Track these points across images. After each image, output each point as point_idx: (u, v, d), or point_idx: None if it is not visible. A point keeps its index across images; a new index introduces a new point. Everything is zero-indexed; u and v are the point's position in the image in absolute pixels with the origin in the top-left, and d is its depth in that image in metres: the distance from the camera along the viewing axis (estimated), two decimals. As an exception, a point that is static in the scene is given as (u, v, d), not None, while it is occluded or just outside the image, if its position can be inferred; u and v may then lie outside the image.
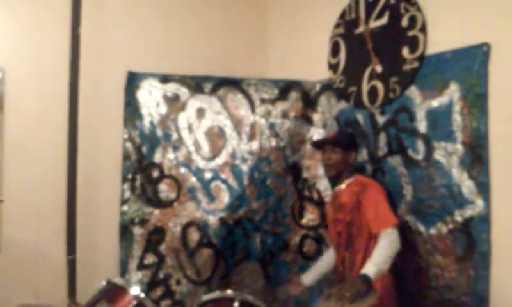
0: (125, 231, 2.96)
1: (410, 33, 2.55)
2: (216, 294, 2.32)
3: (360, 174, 2.63)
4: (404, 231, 2.52)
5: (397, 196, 2.59)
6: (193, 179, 3.06)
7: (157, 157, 3.03)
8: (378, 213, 2.38)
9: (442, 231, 2.37)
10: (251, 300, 2.20)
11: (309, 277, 2.74)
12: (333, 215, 2.60)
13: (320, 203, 3.11)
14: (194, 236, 3.03)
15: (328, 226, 2.72)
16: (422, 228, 2.46)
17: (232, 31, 3.46)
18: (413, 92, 2.53)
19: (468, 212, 2.26)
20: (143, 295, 2.23)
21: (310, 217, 3.17)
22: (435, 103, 2.41)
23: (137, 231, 2.97)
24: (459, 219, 2.29)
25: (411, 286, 2.51)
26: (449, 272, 2.33)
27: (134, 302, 2.20)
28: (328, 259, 2.74)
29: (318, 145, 2.72)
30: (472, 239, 2.24)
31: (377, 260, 2.24)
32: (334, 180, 2.66)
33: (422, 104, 2.48)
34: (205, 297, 2.30)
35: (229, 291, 2.29)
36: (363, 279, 2.14)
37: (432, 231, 2.41)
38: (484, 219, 2.20)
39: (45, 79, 2.87)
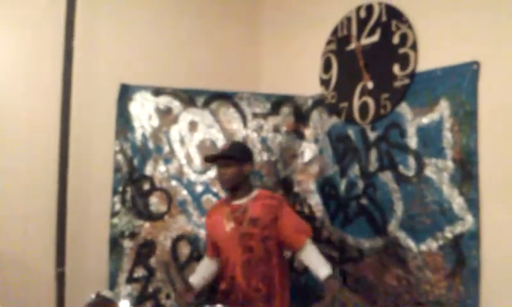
0: (114, 244, 2.93)
1: (401, 50, 2.57)
2: (206, 307, 2.29)
3: (261, 188, 2.69)
4: (395, 247, 2.53)
5: (388, 212, 2.60)
6: (184, 192, 3.05)
7: (148, 170, 3.02)
8: (299, 226, 2.52)
9: (432, 247, 2.37)
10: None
11: (195, 280, 2.64)
12: (239, 229, 2.49)
13: (311, 218, 3.10)
14: (184, 250, 3.01)
15: (221, 240, 2.57)
16: (412, 244, 2.46)
17: (225, 44, 3.47)
18: (404, 108, 2.54)
19: (458, 228, 2.26)
20: (131, 309, 2.20)
21: (301, 231, 3.15)
22: (426, 119, 2.43)
23: (127, 244, 2.94)
24: (449, 235, 2.30)
25: (401, 302, 2.50)
26: (439, 289, 2.32)
27: (123, 316, 2.16)
28: (210, 270, 2.67)
29: (211, 160, 2.64)
30: (462, 255, 2.24)
31: (324, 261, 2.41)
32: (231, 193, 2.61)
33: (412, 120, 2.50)
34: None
35: (218, 306, 2.26)
36: (339, 282, 2.33)
37: (423, 247, 2.41)
38: (474, 235, 2.20)
39: (38, 90, 2.85)
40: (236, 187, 2.56)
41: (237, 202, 2.57)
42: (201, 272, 2.70)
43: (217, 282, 2.66)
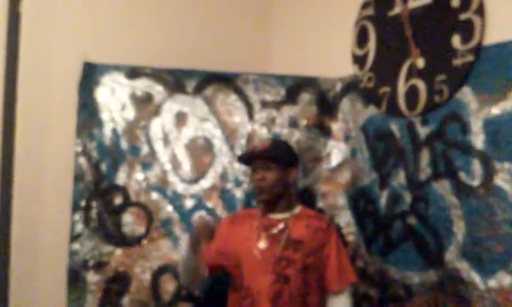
0: (75, 278, 2.92)
1: (463, 16, 2.56)
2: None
3: (303, 205, 2.71)
4: (454, 282, 2.52)
5: (445, 235, 2.58)
6: (169, 208, 3.04)
7: (121, 178, 3.02)
8: (344, 266, 2.59)
9: (505, 283, 2.34)
10: None
11: None
12: (274, 251, 2.51)
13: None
14: (169, 286, 2.99)
15: (246, 261, 2.55)
16: (477, 279, 2.44)
17: (224, 10, 3.48)
18: (467, 95, 2.54)
19: (541, 257, 2.25)
20: None
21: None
22: (496, 110, 2.41)
23: (92, 277, 2.93)
24: (528, 266, 2.28)
25: None
26: (515, 339, 2.30)
27: None
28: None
29: (247, 160, 2.71)
30: (546, 294, 2.22)
31: None
32: (267, 206, 2.63)
33: (478, 111, 2.48)
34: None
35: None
36: None
37: (492, 283, 2.38)
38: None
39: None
40: (276, 199, 2.60)
41: (274, 216, 2.61)
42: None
43: None
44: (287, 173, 2.61)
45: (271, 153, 2.59)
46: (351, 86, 3.13)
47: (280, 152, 2.63)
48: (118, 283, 2.95)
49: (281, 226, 2.57)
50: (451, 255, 2.56)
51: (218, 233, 2.66)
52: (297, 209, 2.65)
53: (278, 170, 2.57)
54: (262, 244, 2.55)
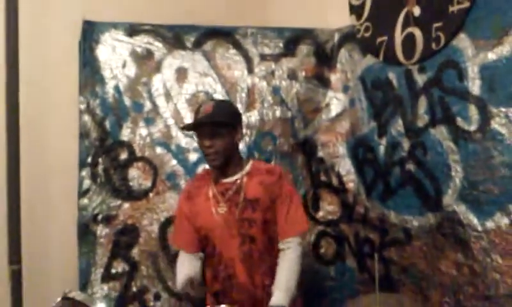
0: (85, 232, 2.96)
1: (458, -38, 2.52)
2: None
3: (254, 159, 2.69)
4: (453, 225, 2.53)
5: (443, 179, 2.59)
6: (173, 162, 3.06)
7: (125, 134, 3.02)
8: (293, 214, 2.52)
9: (502, 225, 2.35)
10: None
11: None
12: (235, 214, 2.49)
13: (341, 190, 3.11)
14: (176, 236, 3.04)
15: (210, 229, 2.53)
16: (475, 221, 2.45)
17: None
18: (463, 41, 2.50)
19: (537, 198, 2.26)
20: (110, 314, 2.22)
21: (328, 208, 3.19)
22: (492, 55, 2.39)
23: (102, 231, 2.97)
24: (525, 207, 2.29)
25: (463, 297, 2.51)
26: (512, 277, 2.33)
27: (99, 324, 2.19)
28: (196, 269, 2.56)
29: (192, 128, 2.60)
30: (542, 234, 2.24)
31: (290, 285, 2.40)
32: (220, 170, 2.53)
33: (475, 57, 2.46)
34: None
35: (223, 306, 2.29)
36: None
37: (490, 224, 2.40)
38: (558, 207, 2.20)
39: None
40: (227, 162, 2.51)
41: (227, 179, 2.54)
42: (188, 273, 2.55)
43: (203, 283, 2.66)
44: (234, 134, 2.50)
45: (216, 118, 2.44)
46: (348, 37, 3.11)
47: (225, 115, 2.48)
48: (127, 235, 2.99)
49: (235, 188, 2.51)
50: (449, 199, 2.57)
51: (180, 213, 2.63)
52: (248, 166, 2.56)
53: (225, 134, 2.46)
54: (221, 210, 2.51)
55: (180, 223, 2.62)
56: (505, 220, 2.35)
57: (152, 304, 3.01)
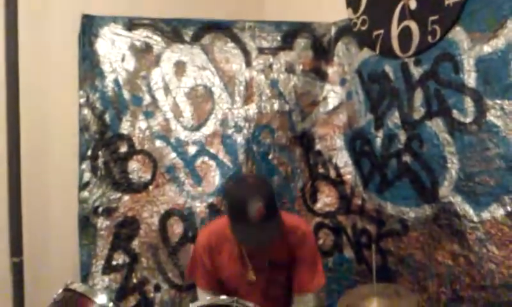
0: (85, 224, 2.96)
1: (454, -44, 2.51)
2: (206, 301, 2.32)
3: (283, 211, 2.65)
4: (449, 216, 2.54)
5: (439, 171, 2.60)
6: (173, 154, 3.06)
7: (125, 127, 3.02)
8: (309, 272, 2.54)
9: (498, 216, 2.36)
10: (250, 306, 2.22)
11: None
12: (262, 278, 2.52)
13: (338, 182, 3.12)
14: (176, 228, 3.04)
15: (235, 286, 2.56)
16: (471, 212, 2.47)
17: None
18: (459, 34, 2.51)
19: (532, 189, 2.26)
20: (111, 305, 2.22)
21: (325, 200, 3.20)
22: (488, 48, 2.39)
23: (102, 223, 2.97)
24: (520, 198, 2.30)
25: (459, 287, 2.53)
26: (507, 268, 2.33)
27: (101, 315, 2.20)
28: None
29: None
30: (537, 224, 2.25)
31: None
32: None
33: (470, 50, 2.46)
34: (193, 306, 2.30)
35: (223, 297, 2.29)
36: None
37: (486, 215, 2.41)
38: (553, 198, 2.21)
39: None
40: None
41: None
42: None
43: None
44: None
45: (271, 217, 2.38)
46: (345, 30, 3.10)
47: (276, 209, 2.45)
48: (127, 227, 2.99)
49: (262, 251, 2.49)
50: (445, 190, 2.57)
51: (201, 261, 2.60)
52: None
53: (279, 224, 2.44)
54: (250, 276, 2.53)
55: (201, 268, 2.62)
56: (500, 211, 2.36)
57: (152, 295, 3.01)
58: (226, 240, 2.54)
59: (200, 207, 3.05)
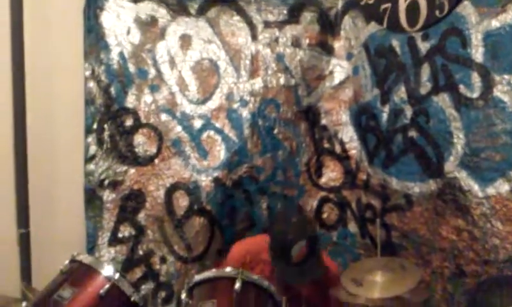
0: (91, 197, 2.97)
1: None
2: (211, 273, 2.34)
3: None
4: (454, 191, 2.55)
5: (445, 146, 2.60)
6: (178, 128, 3.05)
7: (130, 101, 3.01)
8: None
9: (503, 191, 2.37)
10: (255, 279, 2.24)
11: None
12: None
13: (344, 157, 3.12)
14: (181, 201, 3.05)
15: None
16: (476, 187, 2.47)
17: None
18: (467, 8, 2.49)
19: (538, 165, 2.26)
20: (117, 276, 2.24)
21: (330, 175, 3.20)
22: (496, 23, 2.38)
23: (108, 196, 2.97)
24: (525, 174, 2.30)
25: (463, 262, 2.54)
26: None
27: (107, 286, 2.21)
28: None
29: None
30: (542, 200, 2.25)
31: None
32: None
33: (478, 25, 2.45)
34: (198, 277, 2.31)
35: (228, 269, 2.31)
36: None
37: (491, 190, 2.42)
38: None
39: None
40: None
41: None
42: None
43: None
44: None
45: (313, 258, 2.48)
46: (352, 4, 3.08)
47: (317, 250, 2.53)
48: (133, 200, 3.00)
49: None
50: (450, 165, 2.58)
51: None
52: None
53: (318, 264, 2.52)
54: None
55: None
56: (506, 187, 2.37)
57: (158, 267, 3.03)
58: (260, 261, 2.61)
59: (205, 181, 3.05)
